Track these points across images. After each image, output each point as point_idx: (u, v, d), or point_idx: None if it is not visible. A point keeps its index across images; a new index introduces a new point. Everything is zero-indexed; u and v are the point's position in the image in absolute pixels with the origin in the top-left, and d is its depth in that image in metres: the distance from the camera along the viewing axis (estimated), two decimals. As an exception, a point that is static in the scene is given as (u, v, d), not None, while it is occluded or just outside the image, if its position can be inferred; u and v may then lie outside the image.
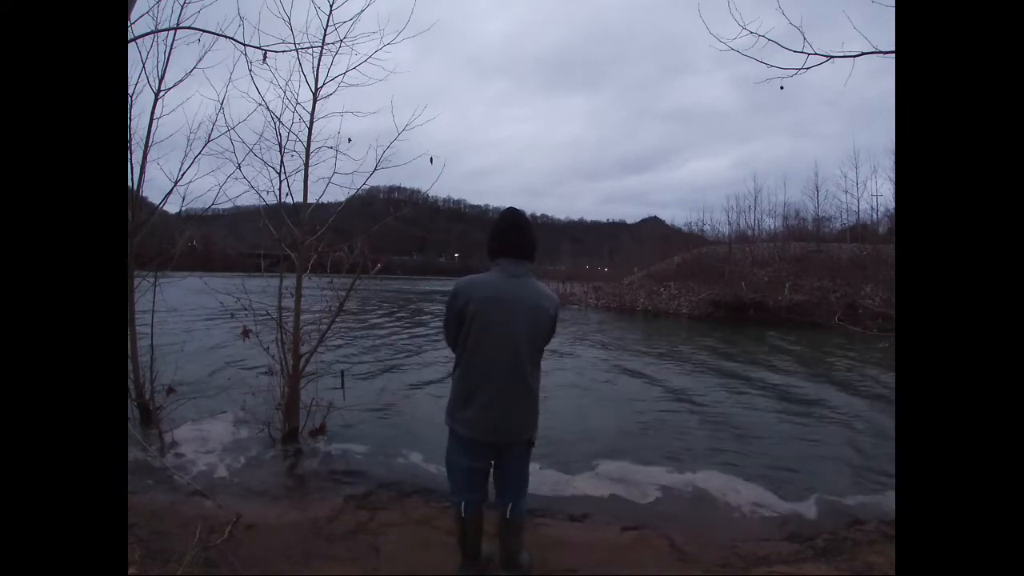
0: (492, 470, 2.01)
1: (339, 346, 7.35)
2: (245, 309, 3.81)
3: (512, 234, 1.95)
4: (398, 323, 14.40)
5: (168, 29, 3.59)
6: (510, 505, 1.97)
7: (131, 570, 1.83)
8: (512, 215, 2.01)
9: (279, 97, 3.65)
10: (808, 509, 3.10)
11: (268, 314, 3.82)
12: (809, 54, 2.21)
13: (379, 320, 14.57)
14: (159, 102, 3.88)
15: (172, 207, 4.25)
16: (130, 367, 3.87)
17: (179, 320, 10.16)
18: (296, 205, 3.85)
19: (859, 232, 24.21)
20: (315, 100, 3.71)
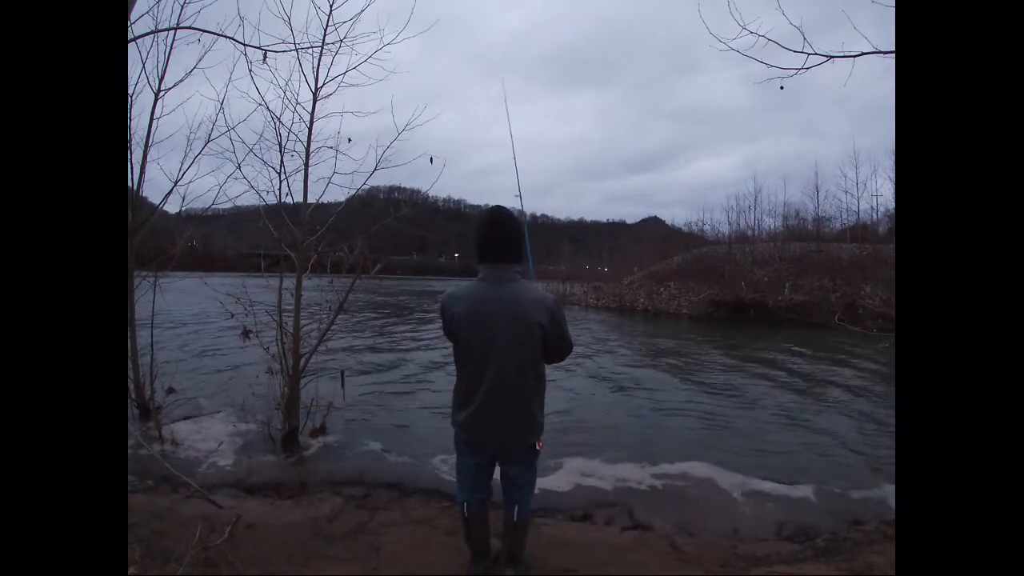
0: (499, 471, 2.00)
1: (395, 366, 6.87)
2: (246, 310, 3.82)
3: (492, 236, 1.81)
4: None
5: (168, 29, 3.60)
6: (516, 508, 1.96)
7: (131, 570, 1.83)
8: (492, 214, 1.86)
9: (279, 97, 3.65)
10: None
11: (268, 314, 3.82)
12: (809, 54, 2.22)
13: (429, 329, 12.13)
14: (159, 102, 3.90)
15: (172, 207, 4.27)
16: (130, 367, 3.87)
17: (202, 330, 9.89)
18: (296, 205, 3.85)
19: (859, 232, 24.19)
20: (315, 100, 3.71)
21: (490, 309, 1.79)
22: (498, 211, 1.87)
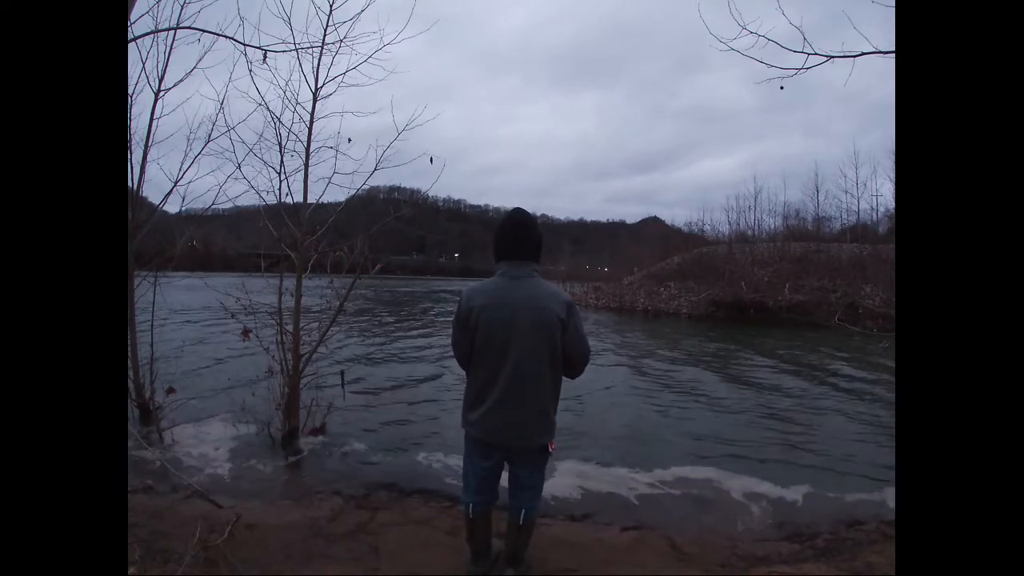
0: (507, 472, 2.01)
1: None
2: (246, 310, 3.82)
3: (513, 235, 1.91)
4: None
5: (168, 29, 3.59)
6: (523, 511, 1.97)
7: (131, 570, 1.83)
8: (513, 216, 1.97)
9: (279, 97, 3.65)
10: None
11: (268, 314, 3.82)
12: (809, 54, 2.22)
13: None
14: (159, 102, 3.89)
15: (172, 207, 4.27)
16: (130, 367, 3.87)
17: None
18: (296, 205, 3.85)
19: (859, 232, 24.19)
20: (315, 100, 3.71)
21: (510, 301, 1.84)
22: (517, 212, 1.98)
